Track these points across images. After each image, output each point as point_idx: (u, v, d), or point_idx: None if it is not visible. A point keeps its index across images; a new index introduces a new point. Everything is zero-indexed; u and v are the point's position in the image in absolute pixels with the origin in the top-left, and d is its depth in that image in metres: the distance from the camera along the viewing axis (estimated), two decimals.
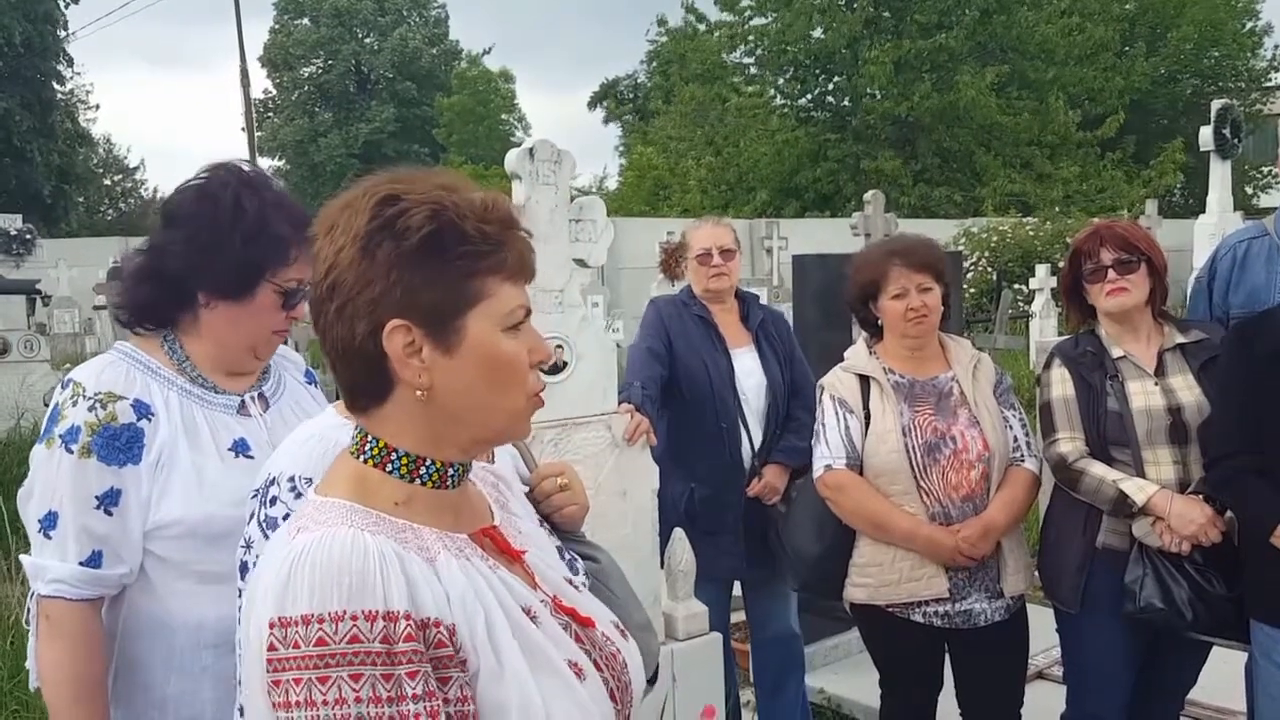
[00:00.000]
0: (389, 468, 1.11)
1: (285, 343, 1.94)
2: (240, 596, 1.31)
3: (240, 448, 1.74)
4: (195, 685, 1.69)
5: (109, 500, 1.65)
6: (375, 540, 1.03)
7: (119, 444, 1.65)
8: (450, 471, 1.14)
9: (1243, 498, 2.40)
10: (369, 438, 1.12)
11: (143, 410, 1.68)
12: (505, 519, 1.24)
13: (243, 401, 1.80)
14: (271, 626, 0.99)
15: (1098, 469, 2.59)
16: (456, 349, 1.08)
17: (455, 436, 1.12)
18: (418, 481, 1.12)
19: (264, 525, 1.29)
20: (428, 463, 1.12)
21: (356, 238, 1.06)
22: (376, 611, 0.99)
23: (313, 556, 1.00)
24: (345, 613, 0.98)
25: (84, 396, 1.67)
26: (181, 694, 1.69)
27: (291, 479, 1.29)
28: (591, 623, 1.20)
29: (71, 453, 1.64)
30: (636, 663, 1.24)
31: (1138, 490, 2.52)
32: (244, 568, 1.31)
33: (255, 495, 1.33)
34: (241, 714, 1.31)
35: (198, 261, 1.69)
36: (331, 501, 1.08)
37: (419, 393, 1.08)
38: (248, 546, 1.31)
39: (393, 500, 1.10)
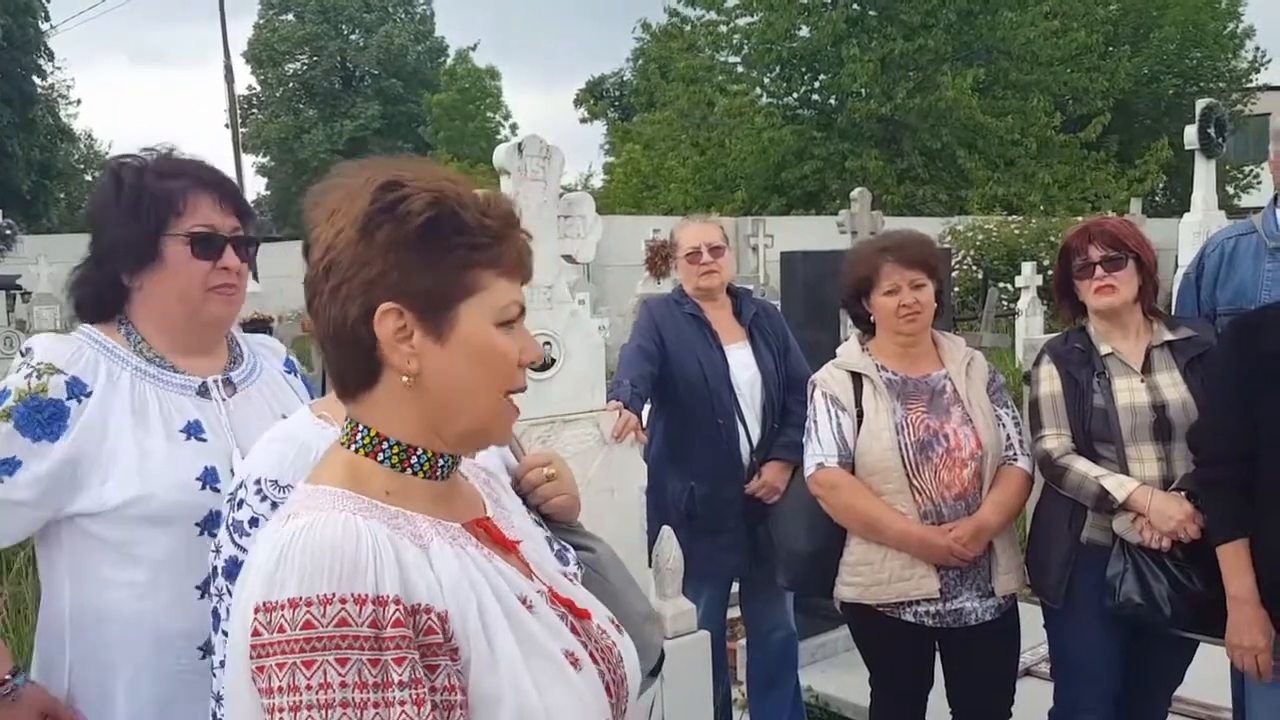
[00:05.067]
0: (380, 457, 1.10)
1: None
2: (204, 598, 1.30)
3: (193, 430, 1.73)
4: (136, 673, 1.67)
5: (3, 468, 1.63)
6: (368, 524, 1.02)
7: (40, 417, 1.64)
8: (441, 462, 1.13)
9: (1212, 507, 2.43)
10: (360, 427, 1.12)
11: (76, 389, 1.67)
12: (498, 512, 1.23)
13: (204, 384, 1.78)
14: (256, 611, 0.98)
15: (1081, 465, 2.60)
16: (447, 337, 1.08)
17: (442, 428, 1.12)
18: (409, 471, 1.11)
19: (232, 530, 1.27)
20: (419, 452, 1.11)
21: (356, 219, 1.07)
22: (366, 596, 0.97)
23: (304, 540, 0.99)
24: (334, 595, 0.97)
25: (29, 364, 1.69)
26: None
27: (258, 482, 1.27)
28: (588, 614, 1.20)
29: None
30: (632, 657, 1.23)
31: (1118, 486, 2.53)
32: (214, 572, 1.28)
33: (228, 500, 1.31)
34: (218, 702, 1.29)
35: (104, 247, 1.73)
36: (322, 489, 1.07)
37: (405, 379, 1.08)
38: (217, 551, 1.28)
39: (384, 490, 1.09)
